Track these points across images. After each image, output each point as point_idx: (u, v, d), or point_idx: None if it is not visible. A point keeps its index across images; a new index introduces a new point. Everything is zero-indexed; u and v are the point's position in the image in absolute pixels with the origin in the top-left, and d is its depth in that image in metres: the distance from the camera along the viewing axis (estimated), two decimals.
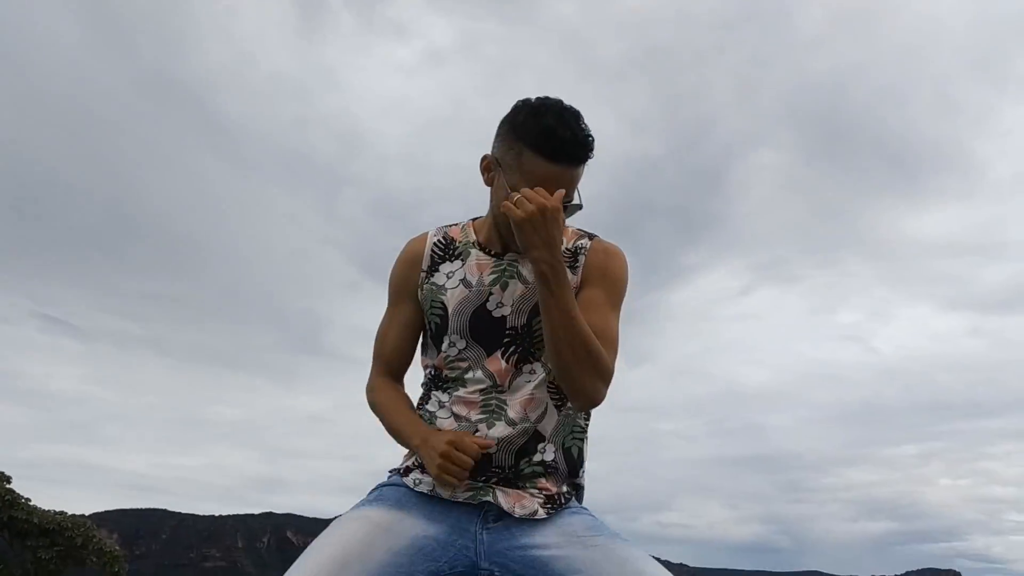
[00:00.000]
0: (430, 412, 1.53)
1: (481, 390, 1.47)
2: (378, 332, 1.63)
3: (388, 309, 1.62)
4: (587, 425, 1.57)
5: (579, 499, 1.54)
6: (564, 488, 1.50)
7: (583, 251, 1.53)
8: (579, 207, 1.45)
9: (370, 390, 1.61)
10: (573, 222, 1.50)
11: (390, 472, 1.56)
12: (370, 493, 1.52)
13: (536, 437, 1.47)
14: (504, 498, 1.45)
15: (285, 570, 1.33)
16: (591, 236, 1.57)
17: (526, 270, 1.49)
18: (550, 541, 1.41)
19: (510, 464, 1.46)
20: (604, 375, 1.42)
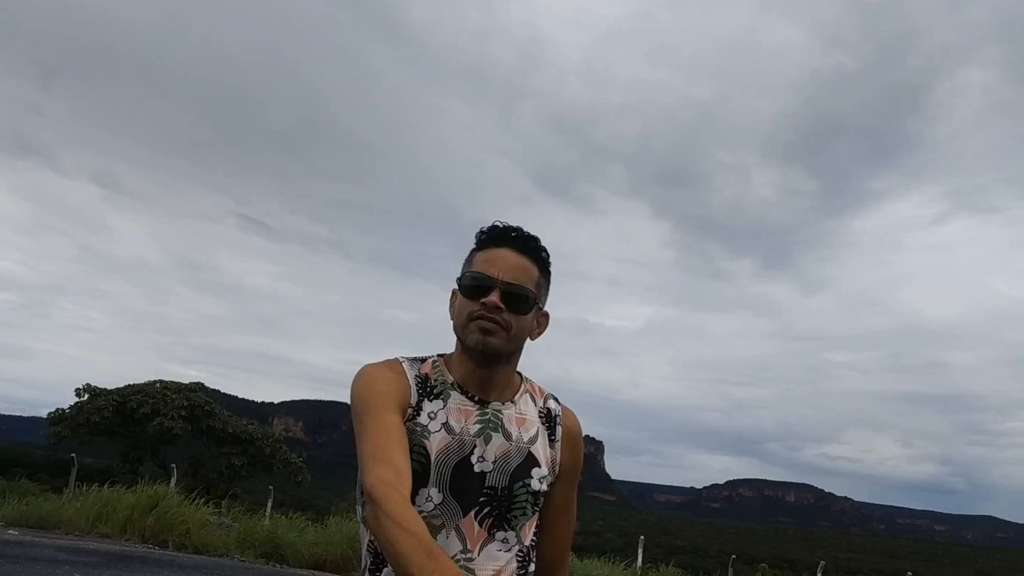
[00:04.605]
0: None
1: (452, 556, 1.38)
2: (370, 439, 1.30)
3: (379, 416, 1.34)
4: None
5: None
6: None
7: (558, 418, 1.52)
8: (533, 298, 1.42)
9: (386, 495, 1.21)
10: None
11: None
12: None
13: None
14: None
15: None
16: (552, 396, 1.55)
17: (507, 421, 1.45)
18: None
19: None
20: None
